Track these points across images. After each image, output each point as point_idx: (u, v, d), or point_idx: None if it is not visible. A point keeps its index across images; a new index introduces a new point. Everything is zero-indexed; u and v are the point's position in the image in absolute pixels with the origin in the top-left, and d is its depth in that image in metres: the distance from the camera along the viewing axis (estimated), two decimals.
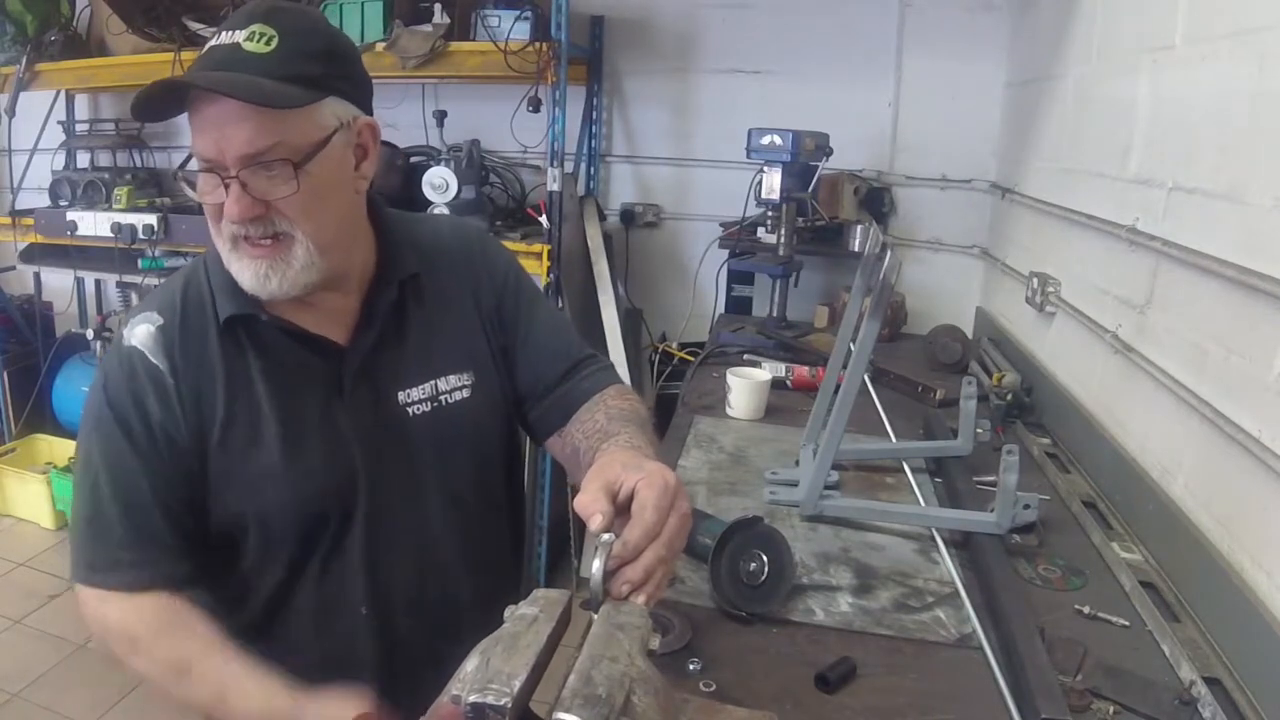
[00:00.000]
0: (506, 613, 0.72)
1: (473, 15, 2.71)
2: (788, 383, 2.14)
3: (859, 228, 2.75)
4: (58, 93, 3.61)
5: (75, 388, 3.54)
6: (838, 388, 1.49)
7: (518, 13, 2.61)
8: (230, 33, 0.89)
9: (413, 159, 3.00)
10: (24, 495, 3.41)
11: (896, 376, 2.19)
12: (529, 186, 3.22)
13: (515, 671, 0.63)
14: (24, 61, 3.12)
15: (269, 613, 1.04)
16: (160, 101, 0.89)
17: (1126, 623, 1.20)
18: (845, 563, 1.35)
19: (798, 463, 1.64)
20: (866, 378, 1.86)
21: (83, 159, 3.69)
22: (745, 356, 2.33)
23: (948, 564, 1.34)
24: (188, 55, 2.84)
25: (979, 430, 1.74)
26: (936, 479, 1.67)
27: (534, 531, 2.88)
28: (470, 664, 0.65)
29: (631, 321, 3.22)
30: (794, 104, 2.83)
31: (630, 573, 0.77)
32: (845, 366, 1.50)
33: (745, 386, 1.94)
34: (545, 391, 1.15)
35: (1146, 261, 1.56)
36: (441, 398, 1.07)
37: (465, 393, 1.09)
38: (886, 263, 1.38)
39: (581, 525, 0.82)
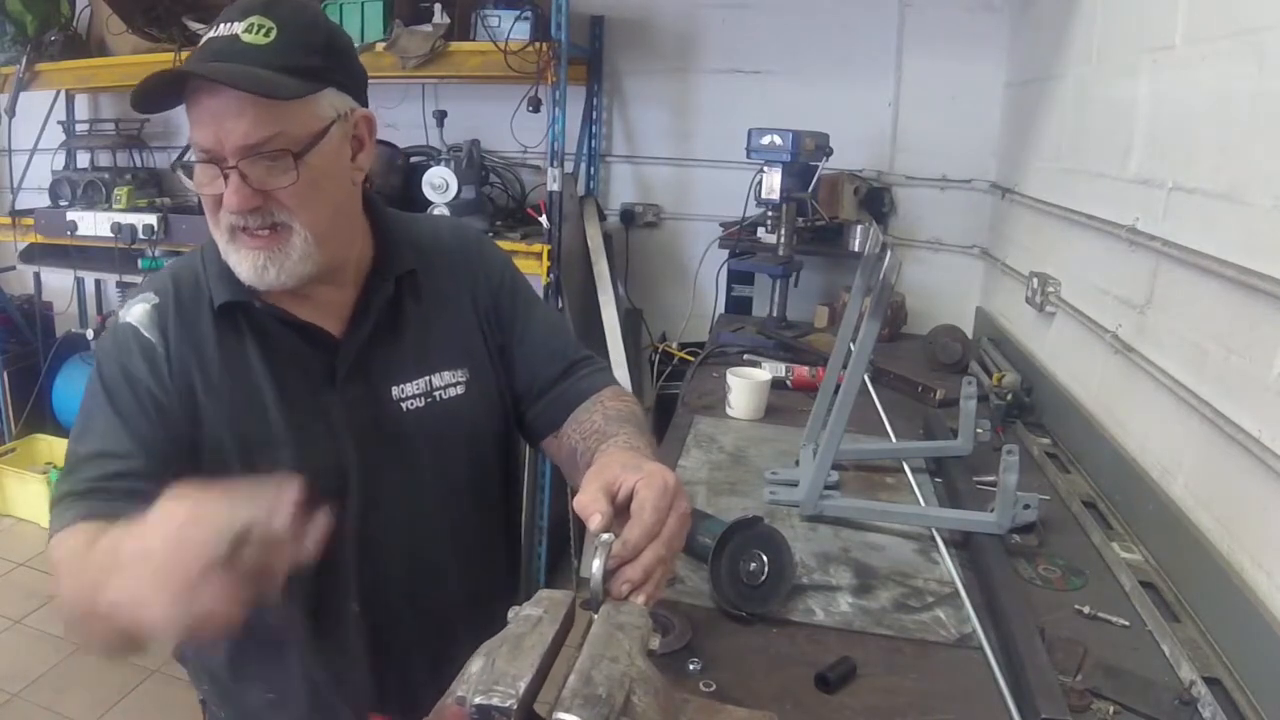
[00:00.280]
0: (510, 613, 0.72)
1: (473, 15, 2.71)
2: (788, 383, 2.14)
3: (859, 228, 2.75)
4: (58, 93, 3.61)
5: (75, 388, 3.53)
6: (838, 388, 1.49)
7: (518, 13, 2.61)
8: (228, 24, 0.90)
9: (413, 159, 3.00)
10: (24, 495, 3.41)
11: (896, 376, 2.19)
12: (529, 186, 3.22)
13: (520, 673, 0.63)
14: (24, 61, 3.12)
15: (265, 618, 1.03)
16: (159, 93, 0.89)
17: (1126, 623, 1.20)
18: (845, 563, 1.35)
19: (798, 463, 1.64)
20: (866, 378, 1.86)
21: (83, 159, 3.69)
22: (745, 356, 2.33)
23: (948, 564, 1.34)
24: (188, 55, 2.83)
25: (979, 430, 1.74)
26: (936, 479, 1.67)
27: (534, 531, 2.88)
28: (474, 665, 0.65)
29: (631, 321, 3.22)
30: (794, 104, 2.83)
31: (630, 572, 0.77)
32: (845, 366, 1.50)
33: (745, 386, 1.94)
34: (541, 392, 1.15)
35: (1146, 261, 1.56)
36: (436, 394, 1.08)
37: (460, 389, 1.09)
38: (886, 263, 1.38)
39: (581, 526, 0.82)
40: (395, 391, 1.05)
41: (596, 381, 1.16)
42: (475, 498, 1.14)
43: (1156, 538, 1.38)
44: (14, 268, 3.50)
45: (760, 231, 2.65)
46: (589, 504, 0.81)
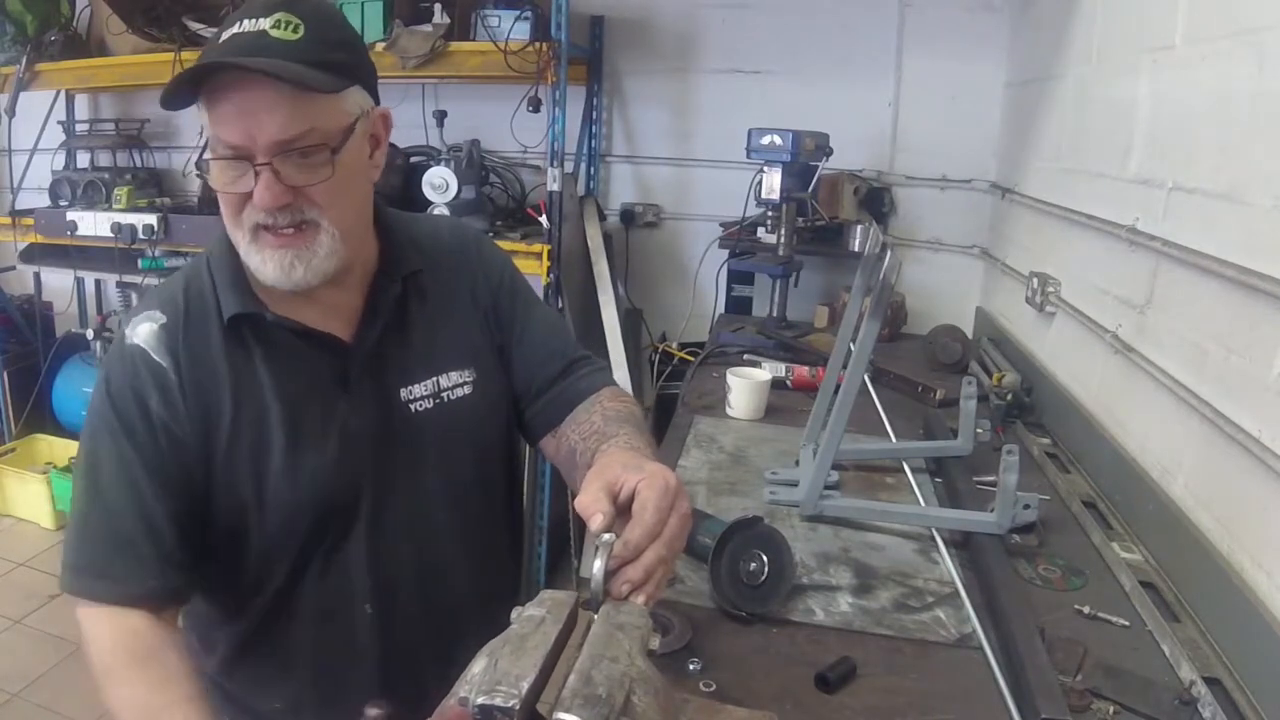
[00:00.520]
0: (514, 614, 0.72)
1: (473, 15, 2.71)
2: (788, 383, 2.14)
3: (859, 228, 2.75)
4: (58, 93, 3.61)
5: (75, 388, 3.54)
6: (838, 388, 1.49)
7: (518, 13, 2.61)
8: (253, 20, 0.88)
9: (413, 159, 3.00)
10: (24, 495, 3.41)
11: (896, 376, 2.19)
12: (529, 186, 3.22)
13: (523, 673, 0.63)
14: (24, 61, 3.12)
15: (272, 611, 1.03)
16: (188, 87, 0.87)
17: (1126, 623, 1.20)
18: (845, 563, 1.35)
19: (798, 463, 1.64)
20: (866, 378, 1.86)
21: (83, 159, 3.68)
22: (745, 356, 2.33)
23: (948, 564, 1.34)
24: (188, 55, 2.84)
25: (979, 430, 1.74)
26: (936, 479, 1.67)
27: (534, 531, 2.88)
28: (477, 665, 0.65)
29: (631, 321, 3.21)
30: (794, 104, 2.83)
31: (631, 572, 0.77)
32: (845, 366, 1.50)
33: (745, 386, 1.94)
34: (540, 391, 1.15)
35: (1146, 261, 1.56)
36: (443, 394, 1.07)
37: (467, 389, 1.09)
38: (886, 263, 1.38)
39: (581, 525, 0.82)
40: (404, 393, 1.05)
41: (595, 381, 1.16)
42: (482, 497, 1.14)
43: (1156, 538, 1.38)
44: (14, 268, 3.50)
45: (760, 231, 2.65)
46: (590, 504, 0.81)
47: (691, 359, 2.53)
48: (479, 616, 1.03)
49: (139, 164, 3.61)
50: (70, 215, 3.12)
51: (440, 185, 2.76)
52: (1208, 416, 1.28)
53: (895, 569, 1.34)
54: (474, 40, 2.70)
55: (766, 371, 2.09)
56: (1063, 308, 1.99)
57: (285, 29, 0.88)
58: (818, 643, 1.15)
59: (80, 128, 3.70)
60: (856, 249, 2.73)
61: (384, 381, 1.04)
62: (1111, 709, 1.01)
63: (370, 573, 1.03)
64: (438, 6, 2.67)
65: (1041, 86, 2.35)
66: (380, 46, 2.64)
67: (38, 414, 3.64)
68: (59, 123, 3.67)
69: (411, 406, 1.05)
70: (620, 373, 2.82)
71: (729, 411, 1.96)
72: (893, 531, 1.45)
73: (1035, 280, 2.09)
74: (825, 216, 2.76)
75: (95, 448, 0.97)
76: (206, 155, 0.92)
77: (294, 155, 0.89)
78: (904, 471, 1.68)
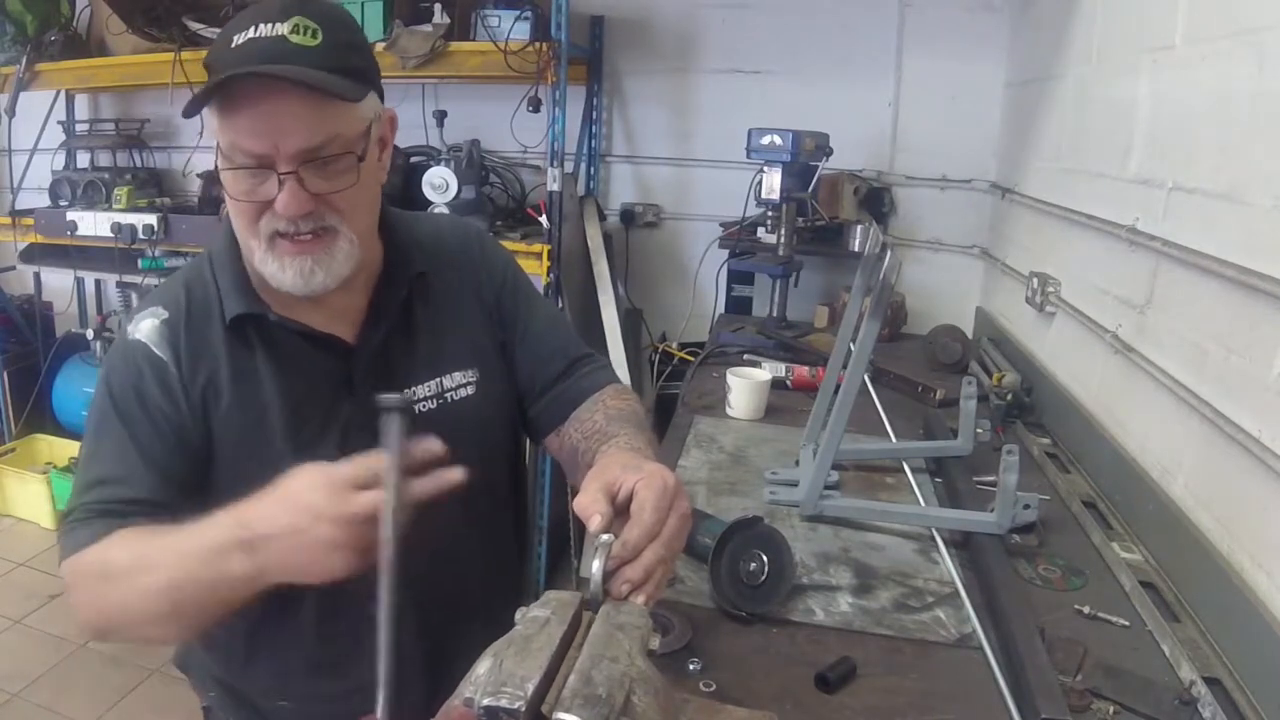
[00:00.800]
0: (518, 614, 0.72)
1: (473, 15, 2.71)
2: (788, 383, 2.14)
3: (859, 228, 2.75)
4: (58, 93, 3.61)
5: (75, 388, 3.54)
6: (838, 388, 1.49)
7: (518, 13, 2.61)
8: (270, 25, 0.86)
9: (413, 159, 3.00)
10: (24, 495, 3.41)
11: (896, 376, 2.19)
12: (529, 186, 3.22)
13: (529, 674, 0.62)
14: (24, 61, 3.11)
15: (278, 612, 1.03)
16: (205, 96, 0.86)
17: (1126, 623, 1.20)
18: (845, 563, 1.35)
19: (798, 463, 1.64)
20: (866, 378, 1.86)
21: (83, 159, 3.68)
22: (745, 356, 2.33)
23: (948, 564, 1.34)
24: (188, 55, 2.84)
25: (979, 430, 1.74)
26: (936, 479, 1.67)
27: (534, 532, 2.88)
28: (482, 666, 0.65)
29: (631, 321, 3.21)
30: (794, 104, 2.83)
31: (630, 572, 0.77)
32: (845, 366, 1.50)
33: (745, 386, 1.94)
34: (543, 390, 1.15)
35: (1146, 261, 1.56)
36: (447, 395, 1.07)
37: (470, 389, 1.09)
38: (886, 263, 1.38)
39: (581, 526, 0.82)
40: (407, 394, 1.04)
41: (598, 379, 1.16)
42: (488, 496, 1.14)
43: (1156, 538, 1.38)
44: (14, 268, 3.50)
45: (760, 231, 2.65)
46: (589, 505, 0.81)
47: (691, 359, 2.53)
48: (484, 616, 1.03)
49: (139, 164, 3.61)
50: (70, 215, 3.12)
51: (440, 185, 2.76)
52: (1208, 416, 1.28)
53: (895, 569, 1.34)
54: (474, 40, 2.70)
55: (766, 371, 2.09)
56: (1063, 308, 1.99)
57: (304, 34, 0.87)
58: (818, 643, 1.15)
59: (80, 128, 3.70)
60: (856, 249, 2.73)
61: (387, 383, 1.04)
62: (1111, 709, 1.01)
63: (374, 573, 1.03)
64: (438, 6, 2.67)
65: (1041, 86, 2.35)
66: (380, 46, 2.64)
67: (38, 414, 3.64)
68: (59, 123, 3.67)
69: (415, 407, 1.05)
70: (620, 373, 2.80)
71: (729, 411, 1.96)
72: (893, 531, 1.45)
73: (1035, 280, 2.09)
74: (825, 216, 2.76)
75: (96, 438, 0.96)
76: (222, 165, 0.90)
77: (316, 163, 0.88)
78: (904, 471, 1.68)
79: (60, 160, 3.61)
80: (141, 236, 3.04)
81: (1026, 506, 1.38)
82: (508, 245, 2.64)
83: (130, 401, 0.95)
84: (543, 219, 2.71)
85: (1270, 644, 1.03)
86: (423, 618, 1.08)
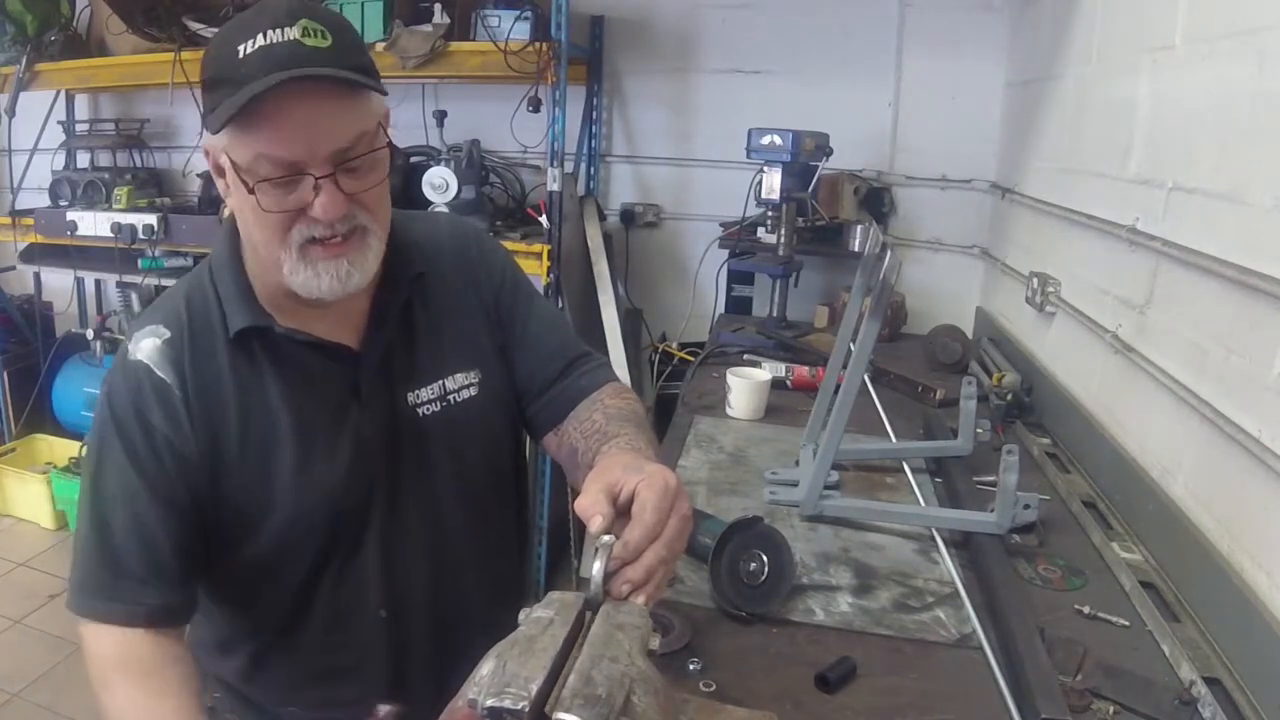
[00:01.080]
0: (521, 615, 0.72)
1: (473, 15, 2.71)
2: (788, 383, 2.14)
3: (859, 228, 2.75)
4: (58, 93, 3.61)
5: (75, 388, 3.54)
6: (838, 388, 1.49)
7: (518, 13, 2.61)
8: (279, 30, 0.84)
9: (413, 159, 3.00)
10: (24, 495, 3.41)
11: (896, 376, 2.19)
12: (529, 186, 3.22)
13: (532, 675, 0.62)
14: (24, 61, 3.11)
15: (288, 618, 1.03)
16: (241, 105, 0.83)
17: (1126, 623, 1.20)
18: (845, 563, 1.35)
19: (798, 463, 1.64)
20: (866, 378, 1.86)
21: (83, 159, 3.68)
22: (745, 356, 2.33)
23: (948, 564, 1.34)
24: (188, 55, 2.83)
25: (979, 430, 1.74)
26: (936, 479, 1.67)
27: (534, 531, 2.88)
28: (486, 667, 0.65)
29: (631, 321, 3.21)
30: (794, 104, 2.83)
31: (631, 572, 0.77)
32: (845, 366, 1.50)
33: (745, 386, 1.94)
34: (542, 389, 1.15)
35: (1146, 261, 1.56)
36: (449, 397, 1.07)
37: (473, 390, 1.09)
38: (886, 263, 1.38)
39: (581, 527, 0.82)
40: (410, 397, 1.04)
41: (597, 378, 1.16)
42: (492, 496, 1.14)
43: (1156, 538, 1.38)
44: (14, 268, 3.50)
45: (760, 231, 2.65)
46: (590, 506, 0.81)
47: (691, 359, 2.53)
48: (488, 616, 1.03)
49: (139, 164, 3.61)
50: (70, 215, 3.12)
51: (440, 185, 2.76)
52: (1208, 416, 1.28)
53: (895, 569, 1.34)
54: (474, 40, 2.70)
55: (766, 371, 2.09)
56: (1063, 308, 1.99)
57: (316, 37, 0.85)
58: (818, 643, 1.15)
59: (80, 128, 3.70)
60: (856, 249, 2.73)
61: (392, 387, 1.04)
62: (1111, 709, 1.01)
63: (384, 578, 1.03)
64: (438, 6, 2.67)
65: (1041, 86, 2.35)
66: (380, 46, 2.64)
67: (38, 414, 3.64)
68: (59, 123, 3.67)
69: (419, 410, 1.05)
70: (620, 373, 2.81)
71: (729, 411, 1.96)
72: (893, 531, 1.45)
73: (1035, 280, 2.09)
74: (825, 216, 2.76)
75: (99, 468, 0.95)
76: (247, 180, 0.87)
77: (346, 163, 0.88)
78: (904, 471, 1.68)
79: (60, 160, 3.61)
80: (141, 236, 3.04)
81: (1026, 506, 1.38)
82: (508, 245, 2.64)
83: (135, 429, 0.94)
84: (543, 219, 2.71)
85: (1270, 644, 1.03)
86: (430, 620, 1.08)
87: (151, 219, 3.03)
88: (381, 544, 1.03)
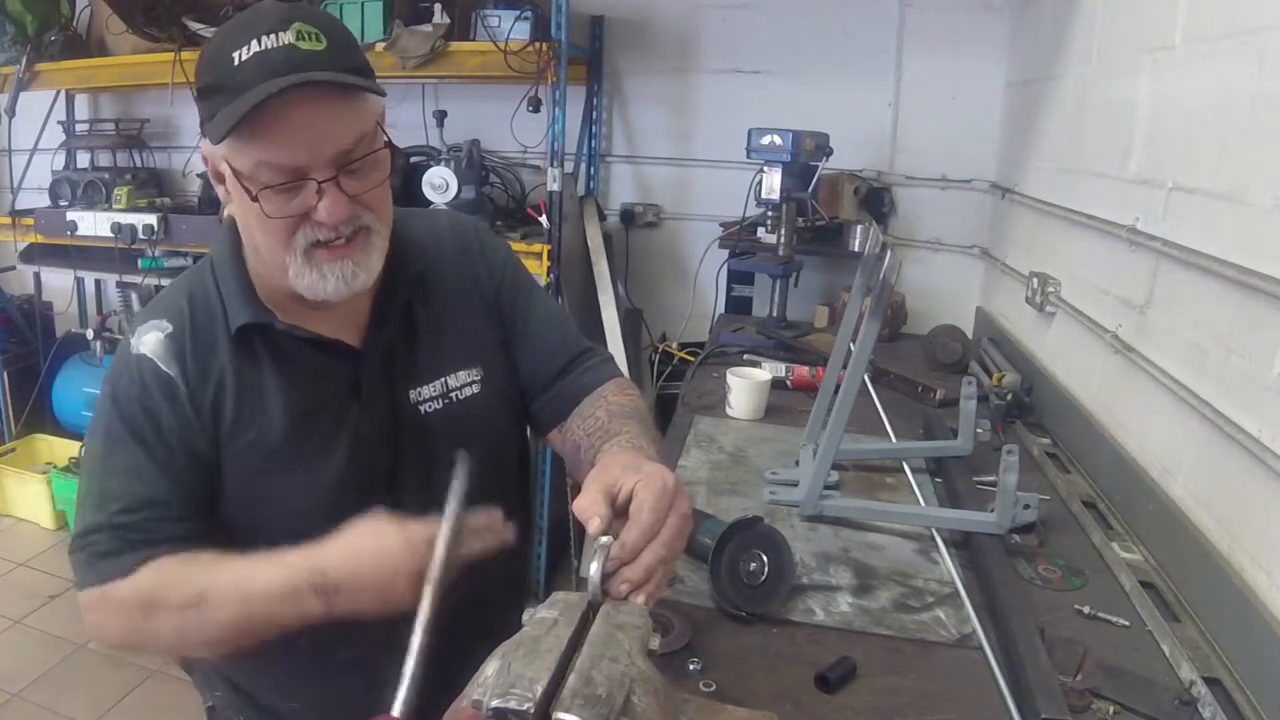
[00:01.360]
0: (525, 615, 0.72)
1: (473, 15, 2.71)
2: (788, 383, 2.14)
3: (859, 228, 2.75)
4: (58, 93, 3.61)
5: (75, 388, 3.54)
6: (838, 388, 1.49)
7: (518, 13, 2.61)
8: (272, 35, 0.84)
9: (413, 159, 3.00)
10: (24, 495, 3.41)
11: (896, 376, 2.19)
12: (529, 186, 3.22)
13: (537, 676, 0.62)
14: (24, 61, 3.12)
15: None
16: (241, 113, 0.83)
17: (1126, 623, 1.20)
18: (845, 563, 1.35)
19: (798, 463, 1.64)
20: (866, 378, 1.86)
21: (83, 159, 3.69)
22: (745, 356, 2.33)
23: (948, 564, 1.34)
24: (188, 55, 2.83)
25: (979, 430, 1.74)
26: (936, 479, 1.67)
27: (534, 531, 2.88)
28: (490, 668, 0.65)
29: (631, 321, 3.21)
30: (794, 104, 2.83)
31: (629, 572, 0.77)
32: (845, 366, 1.50)
33: (745, 386, 1.94)
34: (545, 385, 1.15)
35: (1146, 261, 1.56)
36: (452, 394, 1.07)
37: (475, 388, 1.09)
38: (886, 263, 1.38)
39: (581, 526, 0.82)
40: (412, 395, 1.04)
41: (601, 374, 1.16)
42: (495, 495, 1.14)
43: (1156, 538, 1.38)
44: (14, 268, 3.50)
45: (760, 231, 2.65)
46: (588, 507, 0.81)
47: (691, 359, 2.53)
48: (491, 616, 1.03)
49: (139, 164, 3.61)
50: (70, 215, 3.12)
51: (440, 185, 2.76)
52: (1208, 416, 1.28)
53: (895, 569, 1.33)
54: (474, 40, 2.70)
55: (766, 371, 2.09)
56: (1063, 308, 1.99)
57: (310, 40, 0.85)
58: (818, 643, 1.15)
59: (80, 128, 3.71)
60: (856, 249, 2.73)
61: (393, 385, 1.04)
62: (1111, 709, 1.01)
63: None
64: (438, 6, 2.67)
65: (1041, 86, 2.35)
66: (380, 46, 2.64)
67: (38, 414, 3.64)
68: (59, 123, 3.67)
69: (420, 408, 1.05)
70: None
71: (729, 411, 1.96)
72: (893, 531, 1.45)
73: (1035, 280, 2.09)
74: (825, 216, 2.76)
75: (107, 459, 0.94)
76: (249, 188, 0.87)
77: (349, 165, 0.88)
78: (904, 471, 1.68)
79: (60, 160, 3.61)
80: (141, 236, 3.04)
81: (1026, 506, 1.38)
82: None
83: (141, 421, 0.94)
84: (543, 219, 2.71)
85: (1270, 644, 1.03)
86: (439, 620, 1.08)
87: (151, 219, 3.03)
88: None
